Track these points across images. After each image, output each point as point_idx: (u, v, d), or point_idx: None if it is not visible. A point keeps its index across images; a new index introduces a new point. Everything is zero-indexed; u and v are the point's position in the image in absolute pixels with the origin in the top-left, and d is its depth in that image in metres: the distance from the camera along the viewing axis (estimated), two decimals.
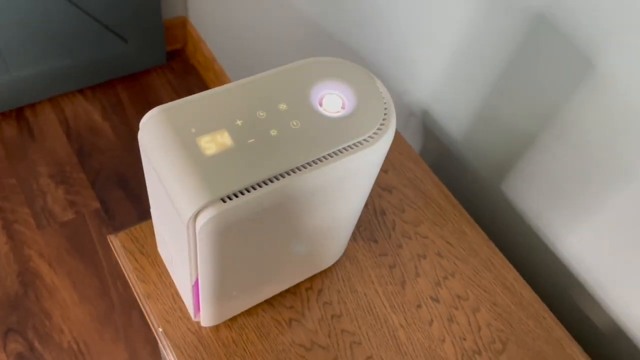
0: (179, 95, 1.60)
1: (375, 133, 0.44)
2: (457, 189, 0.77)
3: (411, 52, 0.78)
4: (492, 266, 0.66)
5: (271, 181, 0.40)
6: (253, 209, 0.40)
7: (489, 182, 0.75)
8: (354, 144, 0.43)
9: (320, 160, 0.42)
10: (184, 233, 0.40)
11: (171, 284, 0.59)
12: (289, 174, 0.41)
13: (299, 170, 0.41)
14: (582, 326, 0.69)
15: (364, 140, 0.44)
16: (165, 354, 0.56)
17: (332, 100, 0.45)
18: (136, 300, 1.24)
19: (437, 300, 0.63)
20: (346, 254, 0.64)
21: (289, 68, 0.46)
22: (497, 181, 0.74)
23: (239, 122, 0.42)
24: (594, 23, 0.54)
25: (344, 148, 0.43)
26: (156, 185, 0.43)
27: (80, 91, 1.55)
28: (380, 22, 0.82)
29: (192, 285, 0.48)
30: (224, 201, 0.39)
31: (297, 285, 0.61)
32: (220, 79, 1.55)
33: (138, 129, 1.49)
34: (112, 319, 1.21)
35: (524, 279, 0.67)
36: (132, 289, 0.59)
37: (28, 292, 1.22)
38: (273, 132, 0.42)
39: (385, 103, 0.46)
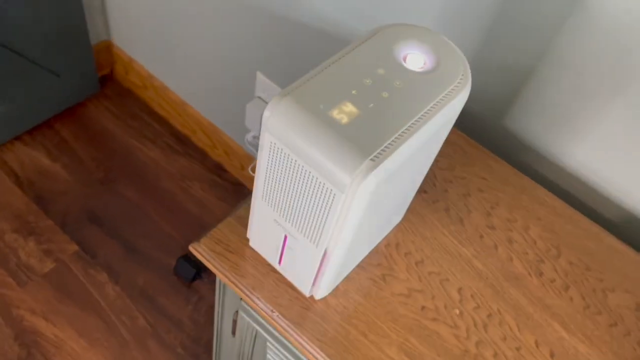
0: (120, 119, 1.56)
1: (460, 81, 0.50)
2: (468, 131, 0.85)
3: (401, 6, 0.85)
4: (524, 189, 0.75)
5: (402, 135, 0.45)
6: (398, 161, 0.44)
7: (490, 121, 0.84)
8: (448, 93, 0.49)
9: (431, 110, 0.47)
10: (339, 199, 0.44)
11: (268, 273, 0.61)
12: (413, 126, 0.46)
13: (419, 120, 0.46)
14: (598, 221, 0.80)
15: (454, 87, 0.50)
16: (286, 335, 0.59)
17: (416, 58, 0.50)
18: (147, 329, 1.21)
19: (493, 228, 0.70)
20: (407, 210, 0.70)
21: (366, 38, 0.51)
22: (499, 118, 0.83)
23: (354, 92, 0.46)
24: None
25: (443, 97, 0.48)
26: (287, 167, 0.46)
27: (18, 138, 1.46)
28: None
29: (322, 256, 0.52)
30: (373, 160, 0.43)
31: (377, 246, 0.66)
32: (163, 94, 1.53)
33: (90, 162, 1.44)
34: (129, 354, 1.18)
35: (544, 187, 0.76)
36: (234, 286, 0.61)
37: (32, 352, 1.15)
38: (385, 95, 0.47)
39: (459, 55, 0.52)
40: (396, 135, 0.45)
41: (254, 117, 1.22)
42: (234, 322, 0.72)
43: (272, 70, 1.15)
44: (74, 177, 1.42)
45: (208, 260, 0.62)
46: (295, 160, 0.45)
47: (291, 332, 0.58)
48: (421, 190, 0.72)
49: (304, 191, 0.47)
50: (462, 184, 0.74)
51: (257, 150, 0.96)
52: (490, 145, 0.85)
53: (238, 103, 1.30)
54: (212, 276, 1.31)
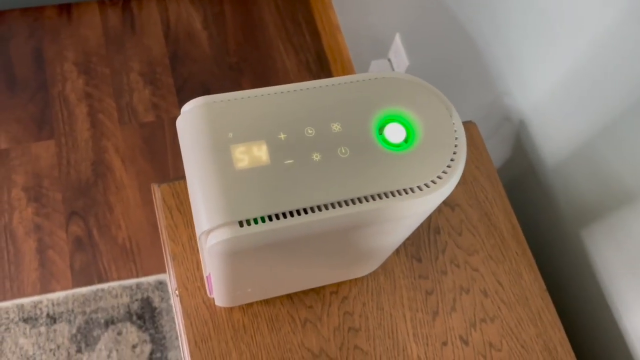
0: (281, 17, 1.54)
1: (438, 177, 0.38)
2: (529, 217, 0.70)
3: (527, 49, 0.68)
4: (539, 321, 0.60)
5: (298, 213, 0.36)
6: (271, 239, 0.36)
7: (567, 221, 0.67)
8: (407, 190, 0.38)
9: (361, 201, 0.37)
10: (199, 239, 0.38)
11: (198, 250, 0.58)
12: (320, 210, 0.36)
13: (333, 207, 0.36)
14: None
15: (421, 187, 0.38)
16: (176, 319, 0.56)
17: (394, 130, 0.39)
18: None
19: (466, 343, 0.58)
20: (384, 265, 0.60)
21: (358, 80, 0.40)
22: (577, 225, 0.65)
23: (282, 136, 0.37)
24: None
25: (394, 192, 0.37)
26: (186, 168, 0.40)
27: None
28: (500, 9, 0.71)
29: (206, 276, 0.46)
30: (241, 225, 0.35)
31: (323, 286, 0.58)
32: (326, 11, 1.47)
33: (232, 44, 1.44)
34: None
35: (571, 343, 0.60)
36: (162, 245, 0.58)
37: (98, 182, 1.28)
38: (315, 157, 0.37)
39: (456, 140, 0.40)
40: (292, 209, 0.36)
41: None
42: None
43: (410, 38, 1.03)
44: (212, 50, 1.47)
45: (157, 208, 0.60)
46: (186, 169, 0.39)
47: (180, 318, 0.55)
48: (416, 256, 0.61)
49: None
50: (468, 275, 0.61)
51: None
52: (548, 246, 0.68)
53: (373, 55, 1.20)
54: None
